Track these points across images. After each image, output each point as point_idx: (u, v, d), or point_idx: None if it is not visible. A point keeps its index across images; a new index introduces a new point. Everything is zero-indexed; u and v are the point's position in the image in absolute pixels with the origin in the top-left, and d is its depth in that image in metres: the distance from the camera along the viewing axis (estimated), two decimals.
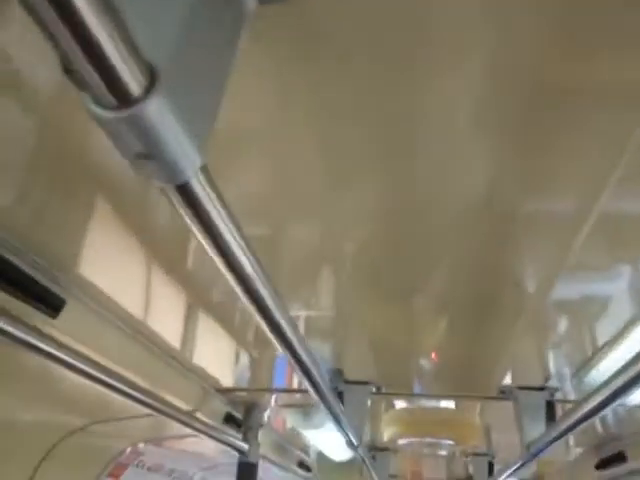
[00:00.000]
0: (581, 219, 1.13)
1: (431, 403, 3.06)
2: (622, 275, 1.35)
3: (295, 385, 2.57)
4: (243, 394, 2.70)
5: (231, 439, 2.59)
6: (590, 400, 1.45)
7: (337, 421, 1.95)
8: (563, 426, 1.72)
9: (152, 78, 0.42)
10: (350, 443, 2.32)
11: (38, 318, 1.29)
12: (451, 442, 3.32)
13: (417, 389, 2.64)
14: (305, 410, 3.02)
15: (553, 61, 0.77)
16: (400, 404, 3.13)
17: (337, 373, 2.25)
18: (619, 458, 2.92)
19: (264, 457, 3.13)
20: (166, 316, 1.72)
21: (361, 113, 0.87)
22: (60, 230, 1.22)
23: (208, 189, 0.57)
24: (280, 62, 0.78)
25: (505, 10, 0.70)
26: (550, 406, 2.21)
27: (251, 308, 0.89)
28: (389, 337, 1.93)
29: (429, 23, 0.72)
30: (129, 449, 2.70)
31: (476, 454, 4.21)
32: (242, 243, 0.71)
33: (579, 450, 3.43)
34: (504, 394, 2.31)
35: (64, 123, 0.91)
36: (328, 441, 3.83)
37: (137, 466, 2.97)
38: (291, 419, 3.39)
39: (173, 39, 0.46)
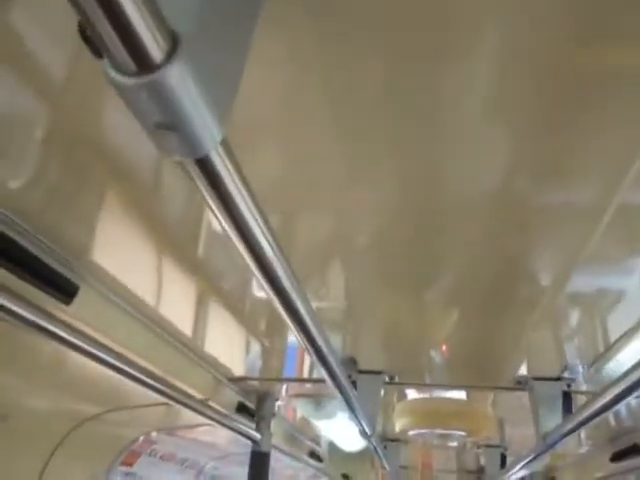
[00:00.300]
0: (599, 210, 1.10)
1: (443, 394, 3.05)
2: None
3: (306, 375, 2.57)
4: (255, 383, 2.71)
5: (244, 428, 2.59)
6: (608, 392, 1.43)
7: (351, 410, 1.95)
8: (580, 417, 1.70)
9: (174, 43, 0.41)
10: (363, 432, 2.32)
11: (52, 304, 1.29)
12: (463, 433, 3.30)
13: (431, 379, 2.63)
14: (317, 400, 3.03)
15: (571, 45, 0.74)
16: (412, 394, 3.12)
17: (351, 362, 2.24)
18: (634, 450, 2.90)
19: (276, 447, 3.14)
20: (179, 304, 1.72)
21: (378, 97, 0.85)
22: (73, 216, 1.22)
23: (228, 164, 0.55)
24: (299, 43, 0.76)
25: None
26: (567, 397, 2.19)
27: (267, 287, 0.86)
28: (403, 327, 1.92)
29: (445, 6, 0.70)
30: (142, 437, 2.72)
31: (488, 445, 4.20)
32: (261, 222, 0.69)
33: (593, 442, 3.41)
34: (520, 384, 2.29)
35: (77, 109, 0.90)
36: (339, 431, 3.84)
37: (150, 455, 2.99)
38: (302, 409, 3.39)
39: (196, 5, 0.45)
